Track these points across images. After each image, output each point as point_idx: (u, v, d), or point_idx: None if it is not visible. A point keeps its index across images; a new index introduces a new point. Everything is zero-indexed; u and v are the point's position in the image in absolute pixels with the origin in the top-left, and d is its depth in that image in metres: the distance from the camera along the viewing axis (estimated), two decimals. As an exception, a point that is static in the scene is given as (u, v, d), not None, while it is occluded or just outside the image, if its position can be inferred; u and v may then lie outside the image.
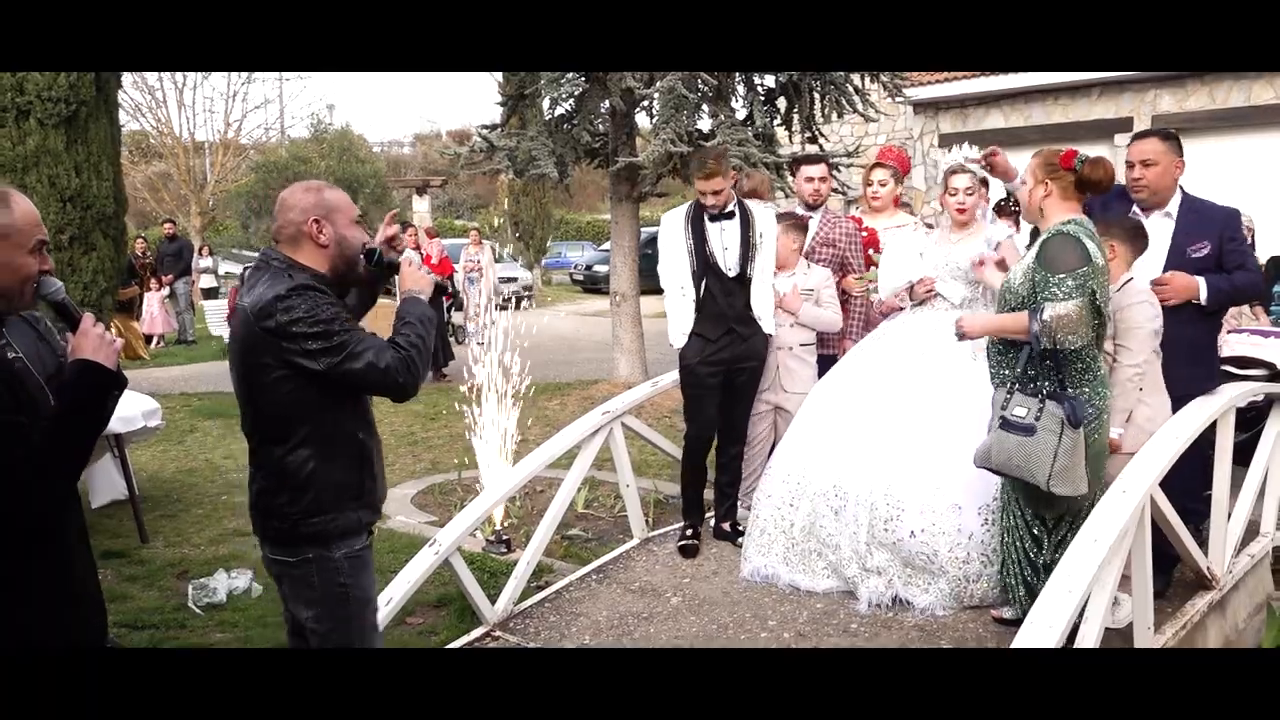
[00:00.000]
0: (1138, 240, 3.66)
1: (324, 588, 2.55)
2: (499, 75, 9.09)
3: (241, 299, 2.54)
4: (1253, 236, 7.38)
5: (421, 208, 31.54)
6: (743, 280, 4.54)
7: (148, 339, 14.74)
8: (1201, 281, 3.70)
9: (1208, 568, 3.86)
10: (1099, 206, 4.03)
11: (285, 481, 2.50)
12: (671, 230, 4.62)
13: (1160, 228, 3.84)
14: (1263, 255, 7.76)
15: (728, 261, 4.52)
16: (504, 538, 5.54)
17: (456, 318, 15.47)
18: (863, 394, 4.20)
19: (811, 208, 5.09)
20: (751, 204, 4.92)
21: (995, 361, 3.43)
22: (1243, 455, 4.42)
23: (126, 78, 26.17)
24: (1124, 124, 14.94)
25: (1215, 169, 14.15)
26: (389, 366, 2.45)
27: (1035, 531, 3.43)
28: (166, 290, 15.23)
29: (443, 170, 24.34)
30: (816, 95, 9.29)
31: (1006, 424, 3.21)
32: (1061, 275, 3.12)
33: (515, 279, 20.40)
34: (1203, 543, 3.95)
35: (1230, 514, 4.17)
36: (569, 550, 5.56)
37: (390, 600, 3.78)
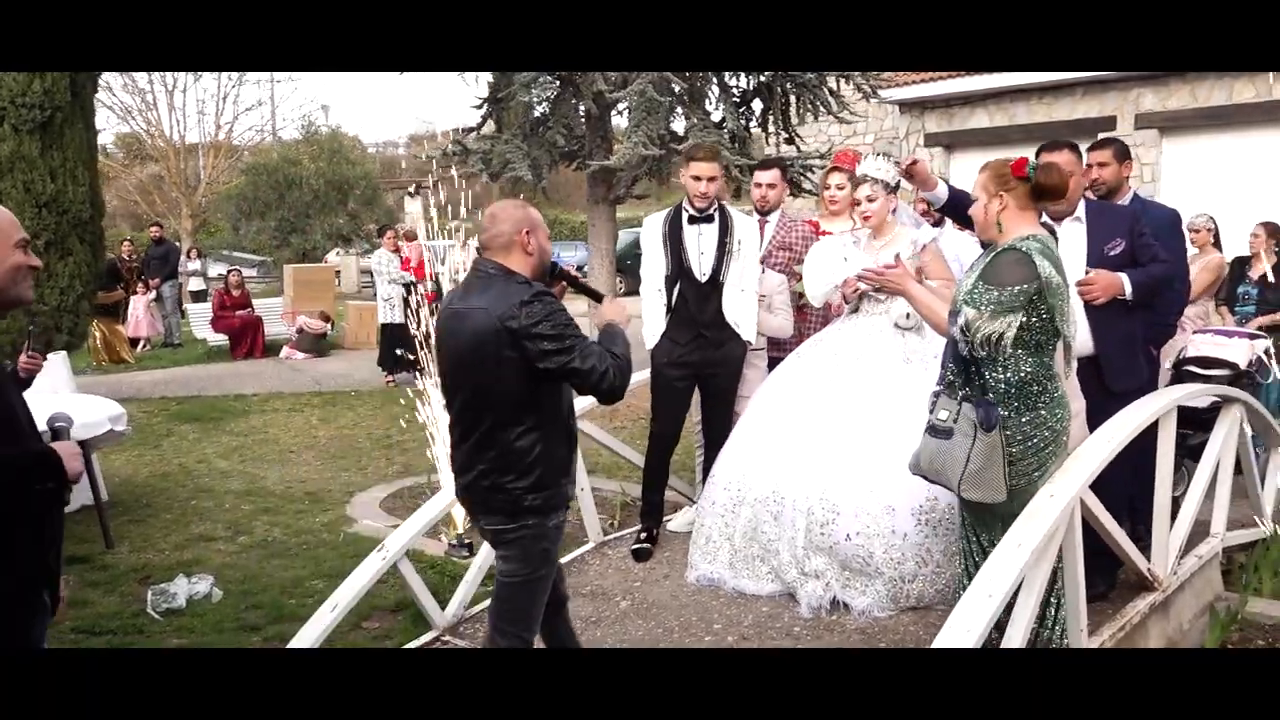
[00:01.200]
0: None
1: (532, 550, 2.94)
2: (484, 77, 9.10)
3: (467, 301, 2.90)
4: (1215, 235, 7.42)
5: (414, 209, 31.60)
6: (715, 285, 4.57)
7: (134, 342, 14.75)
8: (1124, 277, 3.80)
9: (1149, 569, 3.88)
10: None
11: (515, 462, 2.85)
12: (651, 233, 4.68)
13: (1073, 233, 3.94)
14: (1232, 254, 7.78)
15: (702, 266, 4.55)
16: (466, 541, 5.55)
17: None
18: (800, 399, 4.24)
19: (762, 213, 5.11)
20: (732, 211, 4.94)
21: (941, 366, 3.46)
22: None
23: (116, 80, 26.29)
24: (1107, 123, 14.96)
25: (1197, 168, 14.22)
26: (607, 370, 2.81)
27: (977, 560, 3.44)
28: (153, 294, 15.24)
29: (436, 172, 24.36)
30: (792, 97, 9.32)
31: (930, 428, 3.22)
32: (990, 287, 3.08)
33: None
34: (1148, 544, 3.99)
35: (1177, 515, 4.21)
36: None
37: (336, 606, 3.80)
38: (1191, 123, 14.32)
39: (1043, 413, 3.16)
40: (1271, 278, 6.84)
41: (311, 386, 11.17)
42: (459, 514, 5.71)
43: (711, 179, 4.45)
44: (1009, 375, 3.13)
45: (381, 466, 7.71)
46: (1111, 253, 3.84)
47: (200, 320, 14.35)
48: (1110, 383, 3.78)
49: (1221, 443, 4.48)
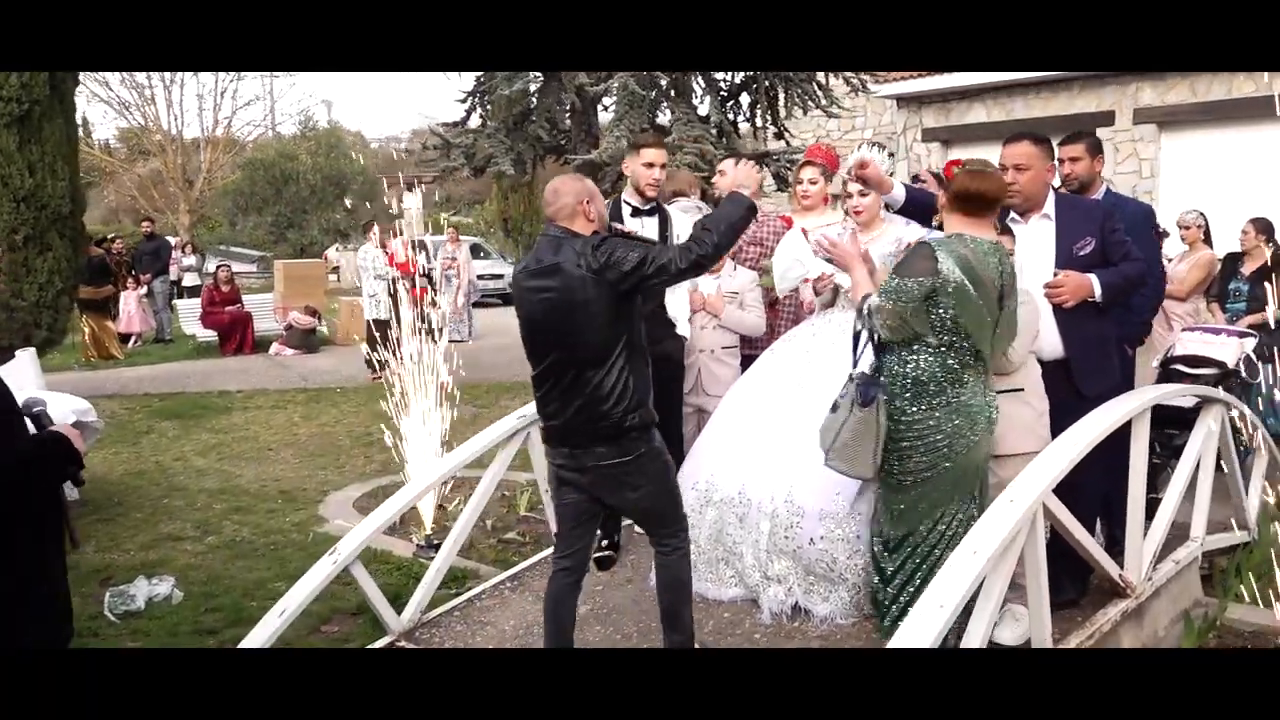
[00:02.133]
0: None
1: (653, 469, 3.28)
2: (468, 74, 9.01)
3: (542, 263, 3.20)
4: (1206, 232, 7.30)
5: (413, 203, 31.54)
6: None
7: (125, 338, 14.69)
8: (1094, 278, 3.63)
9: (1120, 575, 3.76)
10: None
11: (609, 392, 3.13)
12: None
13: (1041, 230, 3.76)
14: (1229, 251, 7.65)
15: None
16: (434, 542, 5.45)
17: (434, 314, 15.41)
18: (769, 398, 4.14)
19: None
20: (677, 203, 4.85)
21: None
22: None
23: (113, 75, 26.26)
24: (1106, 117, 14.83)
25: (1196, 162, 14.07)
26: (677, 257, 3.09)
27: (875, 548, 3.45)
28: (144, 289, 15.18)
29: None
30: (780, 91, 9.21)
31: (833, 405, 3.30)
32: (894, 276, 3.19)
33: (502, 275, 20.30)
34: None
35: (1154, 518, 4.10)
36: (500, 555, 5.49)
37: (284, 611, 3.71)
38: (1190, 117, 14.17)
39: (939, 414, 3.19)
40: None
41: (298, 383, 11.07)
42: (428, 514, 5.63)
43: (662, 166, 4.35)
44: (905, 368, 3.21)
45: (360, 465, 7.61)
46: (1081, 252, 3.66)
47: (190, 316, 14.27)
48: (1081, 386, 3.63)
49: (1200, 444, 4.37)
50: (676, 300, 4.50)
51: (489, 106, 9.05)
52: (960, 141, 16.32)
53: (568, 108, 8.51)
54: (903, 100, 17.14)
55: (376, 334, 10.49)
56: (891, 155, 4.16)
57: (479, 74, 8.91)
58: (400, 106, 71.03)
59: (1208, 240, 7.47)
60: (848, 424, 3.16)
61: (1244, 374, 6.24)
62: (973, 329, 3.15)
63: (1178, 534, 4.29)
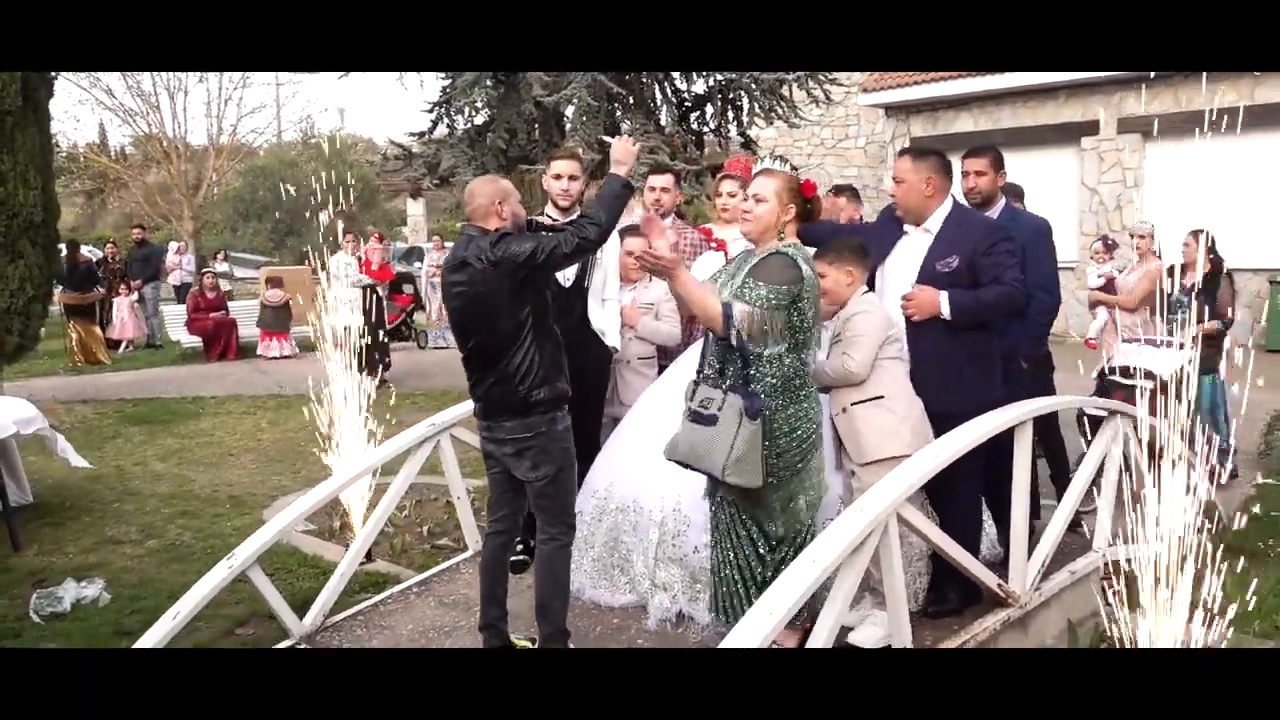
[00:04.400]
0: (866, 257, 3.71)
1: (553, 449, 3.54)
2: (435, 83, 9.11)
3: (456, 259, 3.51)
4: (1154, 243, 7.31)
5: (416, 211, 31.65)
6: (580, 291, 4.54)
7: (117, 344, 14.88)
8: (943, 297, 3.64)
9: (999, 585, 3.81)
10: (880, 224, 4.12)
11: (517, 369, 3.44)
12: None
13: (917, 243, 3.80)
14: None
15: (565, 272, 4.51)
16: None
17: (420, 319, 15.55)
18: (667, 410, 4.18)
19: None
20: None
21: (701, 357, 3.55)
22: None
23: (119, 84, 26.57)
24: (1091, 126, 14.85)
25: (1180, 172, 14.03)
26: (566, 240, 3.39)
27: (760, 550, 3.42)
28: (135, 295, 15.36)
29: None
30: (745, 101, 9.28)
31: (694, 415, 3.32)
32: (760, 284, 3.27)
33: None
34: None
35: (1042, 529, 4.14)
36: (431, 560, 5.55)
37: (178, 615, 3.80)
38: (1174, 127, 14.13)
39: (804, 405, 3.33)
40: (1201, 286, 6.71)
41: (273, 389, 11.18)
42: (357, 519, 5.71)
43: (573, 178, 4.42)
44: (774, 370, 3.29)
45: (315, 471, 7.68)
46: (943, 270, 3.68)
47: (175, 322, 14.43)
48: (926, 400, 3.64)
49: (1100, 456, 4.41)
50: (606, 313, 4.57)
51: (454, 117, 9.15)
52: (948, 150, 16.23)
53: (525, 118, 8.59)
54: (891, 109, 17.19)
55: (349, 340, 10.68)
56: (795, 169, 4.19)
57: (444, 85, 9.02)
58: (410, 113, 71.22)
59: (1159, 254, 7.47)
60: (740, 438, 3.19)
61: (1180, 385, 6.27)
62: (816, 327, 3.36)
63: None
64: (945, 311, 3.61)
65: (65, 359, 13.42)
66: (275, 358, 13.68)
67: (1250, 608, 4.36)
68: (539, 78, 7.88)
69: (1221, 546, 5.22)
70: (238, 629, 4.68)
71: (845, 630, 3.60)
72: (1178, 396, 6.62)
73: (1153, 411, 4.03)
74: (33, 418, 6.11)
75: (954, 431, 3.54)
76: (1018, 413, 3.82)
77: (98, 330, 14.01)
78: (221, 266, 18.30)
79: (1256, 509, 5.89)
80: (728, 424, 3.24)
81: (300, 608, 4.32)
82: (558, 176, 4.48)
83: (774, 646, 3.42)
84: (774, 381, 3.30)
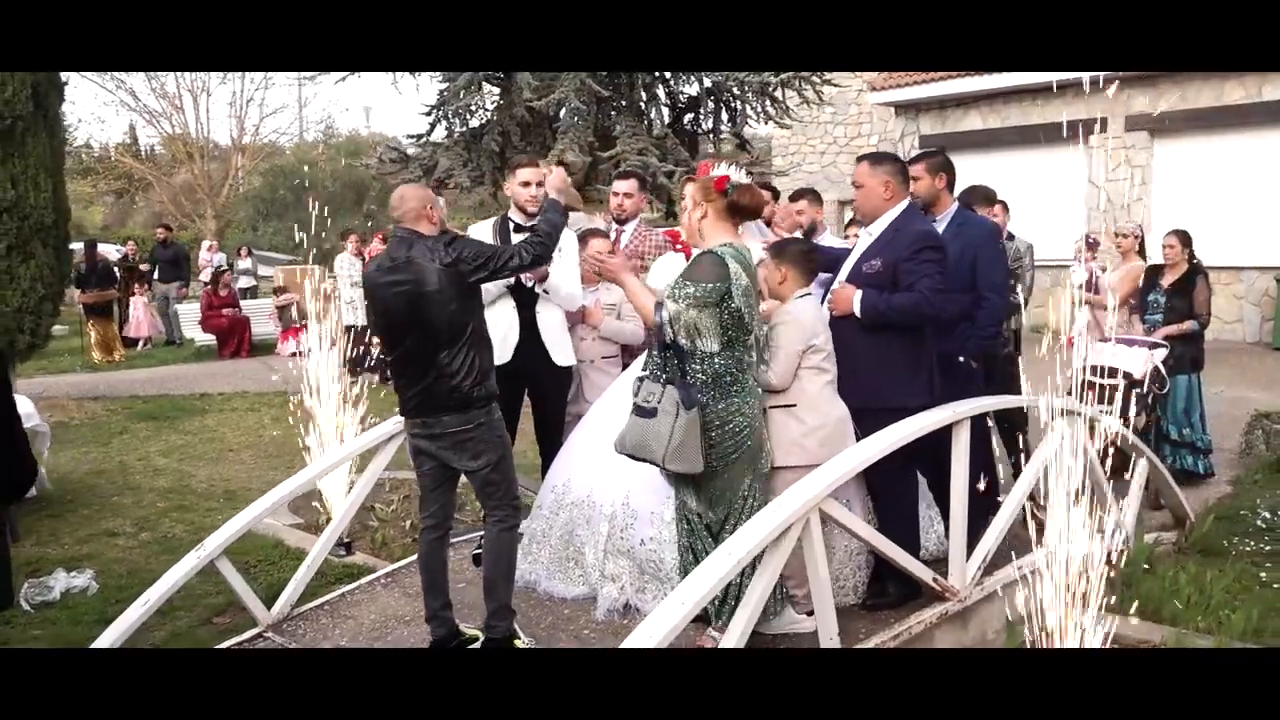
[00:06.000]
0: (808, 262, 3.81)
1: (490, 438, 3.75)
2: (432, 85, 9.27)
3: (397, 260, 3.65)
4: (1140, 243, 7.36)
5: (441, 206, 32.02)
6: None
7: (134, 342, 15.20)
8: (857, 295, 3.80)
9: (934, 579, 3.92)
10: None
11: (460, 367, 3.63)
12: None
13: (862, 244, 4.00)
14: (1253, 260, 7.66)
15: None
16: (344, 540, 5.71)
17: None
18: (620, 407, 4.32)
19: (619, 221, 5.22)
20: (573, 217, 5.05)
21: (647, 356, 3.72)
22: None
23: (142, 86, 26.97)
24: (1098, 124, 14.78)
25: (1187, 170, 13.99)
26: (520, 253, 3.75)
27: (694, 546, 3.58)
28: (149, 294, 15.70)
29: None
30: (737, 103, 9.39)
31: (637, 409, 3.48)
32: (689, 283, 3.40)
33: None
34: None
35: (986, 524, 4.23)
36: (409, 553, 5.71)
37: (148, 602, 3.99)
38: (1181, 125, 14.09)
39: (736, 400, 3.45)
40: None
41: (280, 386, 11.41)
42: (338, 512, 5.89)
43: (539, 184, 4.56)
44: (705, 366, 3.43)
45: (303, 464, 7.89)
46: (868, 270, 3.88)
47: (189, 320, 14.72)
48: (843, 393, 3.79)
49: (1048, 452, 4.48)
50: (562, 269, 4.67)
51: (452, 120, 9.32)
52: (957, 149, 16.29)
53: (518, 122, 8.75)
54: (900, 107, 17.21)
55: (353, 340, 10.89)
56: (750, 174, 4.31)
57: (442, 88, 9.19)
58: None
59: (1141, 252, 7.52)
60: (677, 427, 3.36)
61: (1152, 385, 6.34)
62: (752, 325, 3.48)
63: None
64: (856, 309, 3.77)
65: (82, 356, 13.74)
66: (292, 354, 13.94)
67: (1190, 603, 4.48)
68: (528, 82, 8.03)
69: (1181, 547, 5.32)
70: (215, 618, 4.87)
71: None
72: (1148, 396, 6.66)
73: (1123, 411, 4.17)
74: (29, 414, 6.33)
75: (880, 433, 3.65)
76: (948, 414, 3.92)
77: (115, 328, 14.32)
78: (245, 263, 18.64)
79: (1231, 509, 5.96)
80: (666, 415, 3.41)
81: (277, 598, 4.52)
82: (525, 184, 4.62)
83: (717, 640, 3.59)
84: (705, 378, 3.44)
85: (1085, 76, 3.23)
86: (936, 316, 3.88)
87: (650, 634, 2.80)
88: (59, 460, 7.99)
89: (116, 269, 15.01)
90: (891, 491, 3.92)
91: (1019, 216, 8.04)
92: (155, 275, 16.47)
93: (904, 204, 4.04)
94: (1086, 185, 15.08)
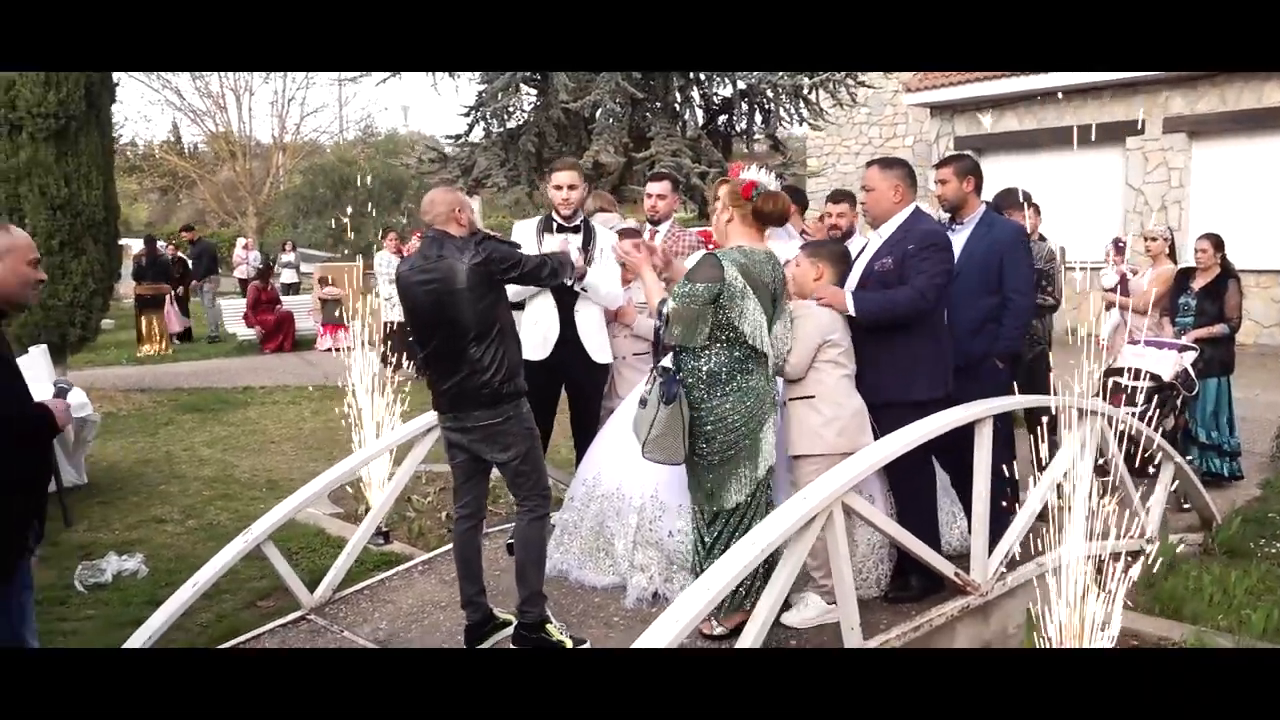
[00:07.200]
0: (843, 264, 3.97)
1: (520, 430, 3.88)
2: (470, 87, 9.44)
3: (428, 260, 3.80)
4: (1171, 247, 7.38)
5: (474, 207, 32.35)
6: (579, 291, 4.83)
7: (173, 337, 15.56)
8: (849, 295, 3.93)
9: (955, 573, 4.01)
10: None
11: (490, 363, 3.76)
12: (523, 239, 4.94)
13: (872, 246, 4.13)
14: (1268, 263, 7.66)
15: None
16: (383, 530, 5.89)
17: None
18: (647, 400, 4.47)
19: (652, 223, 5.35)
20: (600, 218, 5.20)
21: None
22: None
23: (188, 86, 27.51)
24: (1135, 126, 14.69)
25: (1226, 172, 13.88)
26: (546, 263, 3.99)
27: (700, 526, 3.73)
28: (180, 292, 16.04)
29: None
30: (771, 105, 9.49)
31: (640, 401, 3.66)
32: (686, 282, 3.56)
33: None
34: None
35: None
36: (444, 543, 5.89)
37: (197, 584, 4.17)
38: (1220, 126, 13.99)
39: (731, 399, 3.59)
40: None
41: (320, 380, 11.68)
42: (376, 502, 6.07)
43: (572, 187, 4.71)
44: (699, 364, 3.59)
45: (343, 455, 8.08)
46: (879, 269, 4.02)
47: (233, 315, 15.04)
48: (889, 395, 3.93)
49: (1072, 451, 4.55)
50: (593, 326, 4.87)
51: (490, 120, 9.50)
52: (993, 150, 16.31)
53: (554, 123, 8.90)
54: (935, 109, 17.19)
55: (393, 335, 11.12)
56: (780, 177, 4.43)
57: (481, 89, 9.37)
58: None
59: (1172, 255, 7.54)
60: (658, 419, 3.55)
61: (1180, 387, 6.36)
62: (750, 327, 3.57)
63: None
64: (850, 308, 3.87)
65: (131, 349, 14.08)
66: (329, 350, 14.22)
67: (1212, 602, 4.53)
68: (565, 84, 8.18)
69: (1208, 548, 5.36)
70: (259, 600, 5.05)
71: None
72: (1176, 398, 6.67)
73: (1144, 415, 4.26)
74: (80, 405, 6.57)
75: (903, 429, 3.75)
76: (971, 411, 4.01)
77: (163, 321, 14.69)
78: (288, 256, 19.00)
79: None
80: (651, 407, 3.61)
81: (319, 583, 4.70)
82: (558, 186, 4.77)
83: (715, 626, 3.72)
84: (700, 375, 3.61)
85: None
86: (932, 310, 3.98)
87: (675, 619, 2.93)
88: (108, 449, 8.26)
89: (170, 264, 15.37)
90: (911, 486, 4.03)
91: (1054, 218, 8.08)
92: (186, 271, 16.82)
93: (911, 207, 4.17)
94: (1123, 187, 15.01)
